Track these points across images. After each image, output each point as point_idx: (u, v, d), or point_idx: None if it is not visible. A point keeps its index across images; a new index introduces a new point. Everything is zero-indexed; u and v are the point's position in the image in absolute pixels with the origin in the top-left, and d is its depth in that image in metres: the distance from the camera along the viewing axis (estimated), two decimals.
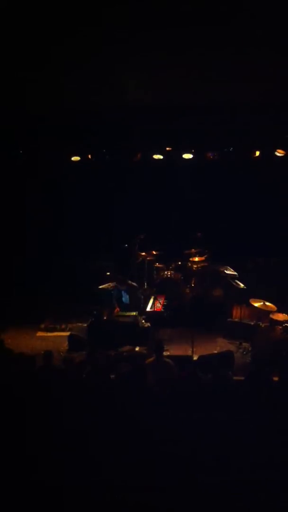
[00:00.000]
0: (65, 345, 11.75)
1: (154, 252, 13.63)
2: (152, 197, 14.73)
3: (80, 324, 12.67)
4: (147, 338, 11.19)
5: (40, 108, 11.57)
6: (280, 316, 11.00)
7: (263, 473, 5.47)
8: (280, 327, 10.78)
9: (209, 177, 14.42)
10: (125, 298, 12.14)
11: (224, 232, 14.22)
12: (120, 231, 14.29)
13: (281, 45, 8.37)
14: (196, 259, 13.77)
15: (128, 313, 11.74)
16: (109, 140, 13.25)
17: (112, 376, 8.46)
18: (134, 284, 12.44)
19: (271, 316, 11.08)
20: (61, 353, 11.27)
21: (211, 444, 5.90)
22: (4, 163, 13.72)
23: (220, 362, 9.81)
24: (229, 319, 12.57)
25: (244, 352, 11.40)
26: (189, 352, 10.74)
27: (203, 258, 13.80)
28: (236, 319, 12.52)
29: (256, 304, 11.27)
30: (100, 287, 12.75)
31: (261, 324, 11.58)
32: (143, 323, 11.48)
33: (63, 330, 12.78)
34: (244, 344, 11.68)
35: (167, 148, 13.54)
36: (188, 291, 13.48)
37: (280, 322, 10.86)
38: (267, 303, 11.21)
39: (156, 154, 13.58)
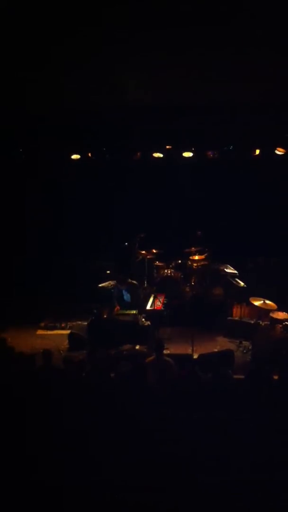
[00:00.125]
0: (65, 343, 11.78)
1: (154, 251, 13.64)
2: (152, 195, 14.75)
3: (80, 322, 12.66)
4: (147, 336, 11.18)
5: (40, 108, 11.58)
6: (280, 315, 11.00)
7: (263, 473, 5.48)
8: (280, 326, 10.78)
9: (209, 176, 14.43)
10: (126, 296, 12.14)
11: (224, 231, 14.23)
12: (120, 230, 14.31)
13: (281, 45, 8.36)
14: (196, 257, 13.79)
15: (128, 312, 11.74)
16: (109, 139, 13.26)
17: (112, 374, 8.47)
18: (134, 282, 12.45)
19: (271, 314, 11.07)
20: (61, 352, 11.30)
21: (211, 444, 5.91)
22: (4, 163, 13.73)
23: (220, 361, 9.84)
24: (229, 318, 12.59)
25: (244, 351, 11.41)
26: (189, 351, 10.74)
27: (203, 256, 13.81)
28: (236, 318, 12.54)
29: (256, 303, 11.26)
30: (100, 285, 12.79)
31: (261, 323, 11.58)
32: (143, 321, 11.47)
33: (63, 329, 12.81)
34: (244, 342, 11.71)
35: (167, 147, 13.55)
36: (188, 289, 13.50)
37: (280, 321, 10.86)
38: (267, 302, 11.20)
39: (156, 152, 13.59)
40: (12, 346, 9.77)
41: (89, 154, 13.94)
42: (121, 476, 5.36)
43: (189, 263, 13.85)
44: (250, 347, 11.35)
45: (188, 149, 13.41)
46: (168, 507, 5.15)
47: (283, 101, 11.09)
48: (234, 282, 12.95)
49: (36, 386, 7.47)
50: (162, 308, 11.96)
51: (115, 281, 12.54)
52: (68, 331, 12.21)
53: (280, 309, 11.14)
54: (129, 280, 12.32)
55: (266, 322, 11.38)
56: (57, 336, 12.40)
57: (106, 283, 12.85)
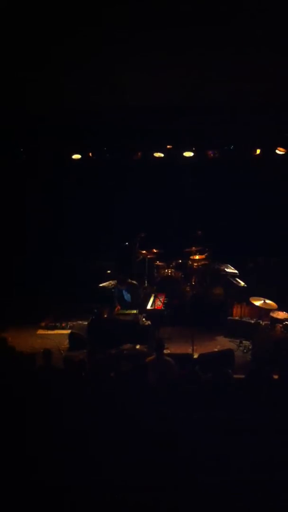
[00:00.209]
0: (65, 343, 11.79)
1: (154, 251, 13.66)
2: (152, 195, 14.77)
3: (80, 322, 12.69)
4: (147, 336, 11.20)
5: (40, 108, 11.59)
6: (281, 315, 11.02)
7: (263, 473, 5.48)
8: (281, 326, 10.81)
9: (209, 176, 14.45)
10: (127, 296, 12.15)
11: (224, 231, 14.24)
12: (120, 230, 14.32)
13: (281, 45, 8.36)
14: (197, 257, 13.80)
15: (128, 311, 11.76)
16: (110, 139, 13.27)
17: (112, 374, 8.47)
18: (134, 282, 12.46)
19: (271, 314, 11.09)
20: (62, 352, 11.31)
21: (211, 444, 5.90)
22: (4, 162, 13.73)
23: (221, 361, 9.85)
24: (229, 318, 12.61)
25: (245, 351, 11.43)
26: (190, 351, 10.76)
27: (203, 256, 13.82)
28: (237, 317, 12.56)
29: (257, 303, 11.27)
30: (101, 285, 12.81)
31: (261, 323, 11.59)
32: (143, 321, 11.48)
33: (63, 329, 12.84)
34: (244, 342, 11.73)
35: (168, 146, 13.55)
36: (188, 289, 13.51)
37: (281, 321, 10.88)
38: (268, 301, 11.21)
39: (157, 152, 13.59)
40: (13, 346, 9.78)
41: (90, 154, 13.95)
42: (121, 476, 5.36)
43: (190, 262, 13.87)
44: (250, 347, 11.36)
45: (189, 149, 13.42)
46: (168, 507, 5.14)
47: (283, 101, 11.09)
48: (234, 282, 12.97)
49: (36, 386, 7.47)
50: (162, 307, 11.98)
51: (115, 281, 12.55)
52: (68, 331, 12.25)
53: (280, 308, 11.17)
54: (129, 280, 12.33)
55: (266, 322, 11.40)
56: (57, 336, 12.43)
57: (107, 283, 12.87)
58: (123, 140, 13.23)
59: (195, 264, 13.78)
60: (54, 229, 15.17)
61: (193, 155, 13.51)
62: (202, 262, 13.78)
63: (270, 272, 14.01)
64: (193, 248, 13.83)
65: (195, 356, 10.40)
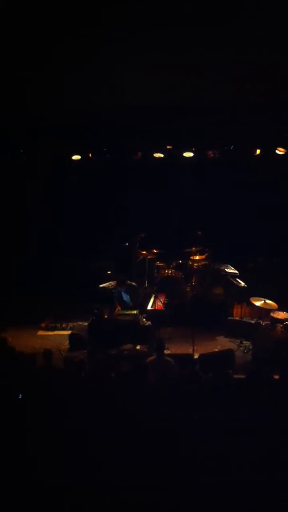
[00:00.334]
0: (66, 344, 11.78)
1: (154, 251, 13.66)
2: (152, 195, 14.76)
3: (81, 323, 12.70)
4: (147, 336, 11.19)
5: (40, 108, 11.59)
6: (281, 315, 11.01)
7: (263, 473, 5.48)
8: (281, 326, 10.80)
9: (209, 176, 14.44)
10: (126, 297, 12.16)
11: (224, 231, 14.24)
12: (120, 230, 14.31)
13: (281, 45, 8.36)
14: (197, 257, 13.81)
15: (128, 312, 11.75)
16: (109, 139, 13.27)
17: (113, 374, 8.47)
18: (133, 283, 12.47)
19: (271, 314, 11.09)
20: (62, 352, 11.30)
21: (211, 444, 5.90)
22: (4, 163, 13.73)
23: (221, 361, 9.85)
24: (229, 318, 12.60)
25: (245, 351, 11.42)
26: (190, 351, 10.75)
27: (203, 256, 13.83)
28: (237, 318, 12.56)
29: (257, 303, 11.26)
30: (101, 285, 12.80)
31: (261, 323, 11.58)
32: (143, 321, 11.48)
33: (64, 329, 12.85)
34: (244, 342, 11.72)
35: (168, 147, 13.55)
36: (188, 289, 13.51)
37: (281, 321, 10.88)
38: (268, 301, 11.20)
39: (157, 152, 13.59)
40: (13, 346, 9.78)
41: (90, 155, 13.95)
42: (121, 476, 5.36)
43: (190, 263, 13.87)
44: (250, 347, 11.35)
45: (189, 149, 13.42)
46: (168, 507, 5.14)
47: (283, 101, 11.09)
48: (235, 282, 12.98)
49: (36, 386, 7.47)
50: (162, 308, 11.98)
51: (115, 282, 12.55)
52: (68, 332, 12.25)
53: (280, 308, 11.16)
54: (128, 282, 12.34)
55: (266, 322, 11.39)
56: (57, 336, 12.42)
57: (107, 283, 12.86)
58: (123, 140, 13.23)
59: (195, 264, 13.78)
60: (54, 229, 15.17)
61: (193, 156, 13.50)
62: (202, 262, 13.78)
63: (270, 272, 14.01)
64: (193, 248, 13.82)
65: (196, 356, 10.39)
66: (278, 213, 14.34)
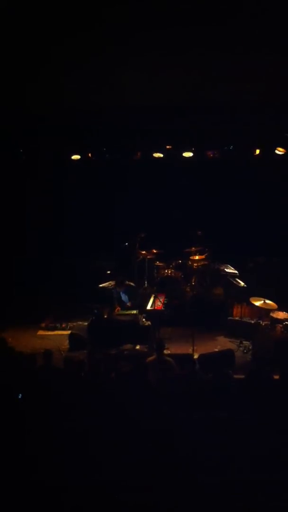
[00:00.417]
0: (65, 344, 11.77)
1: (154, 251, 13.64)
2: (152, 195, 14.76)
3: (80, 323, 12.69)
4: (147, 336, 11.20)
5: (40, 108, 11.59)
6: (281, 315, 11.01)
7: (263, 473, 5.48)
8: (281, 326, 10.80)
9: (209, 176, 14.44)
10: (125, 298, 12.16)
11: (225, 231, 14.23)
12: (120, 230, 14.30)
13: (281, 45, 8.36)
14: (197, 257, 13.79)
15: (128, 312, 11.76)
16: (109, 139, 13.27)
17: (113, 375, 8.47)
18: (132, 284, 12.46)
19: (271, 314, 11.09)
20: (62, 352, 11.30)
21: (211, 444, 5.90)
22: (4, 163, 13.73)
23: (221, 361, 9.84)
24: (229, 318, 12.59)
25: (245, 351, 11.42)
26: (190, 351, 10.73)
27: (203, 256, 13.81)
28: (237, 318, 12.55)
29: (257, 303, 11.25)
30: (101, 285, 12.79)
31: (261, 323, 11.56)
32: (143, 321, 11.48)
33: (63, 329, 12.83)
34: (244, 342, 11.71)
35: (167, 146, 13.55)
36: (188, 289, 13.50)
37: (281, 321, 10.88)
38: (268, 302, 11.19)
39: (156, 152, 13.59)
40: (13, 346, 9.78)
41: (89, 154, 13.95)
42: (121, 476, 5.36)
43: (190, 263, 13.86)
44: (250, 347, 11.35)
45: (188, 149, 13.42)
46: (168, 507, 5.14)
47: (283, 101, 11.09)
48: (234, 282, 12.97)
49: (36, 386, 7.47)
50: (162, 308, 11.95)
51: (115, 282, 12.56)
52: (68, 332, 12.24)
53: (280, 309, 11.15)
54: (127, 282, 12.33)
55: (266, 322, 11.37)
56: (57, 336, 12.41)
57: (107, 283, 12.85)
58: (123, 140, 13.24)
59: (195, 264, 13.77)
60: (54, 229, 15.16)
61: (193, 156, 13.50)
62: (202, 262, 13.77)
63: (270, 272, 13.99)
64: (193, 248, 13.81)
65: (195, 356, 10.38)
66: (278, 213, 14.33)
